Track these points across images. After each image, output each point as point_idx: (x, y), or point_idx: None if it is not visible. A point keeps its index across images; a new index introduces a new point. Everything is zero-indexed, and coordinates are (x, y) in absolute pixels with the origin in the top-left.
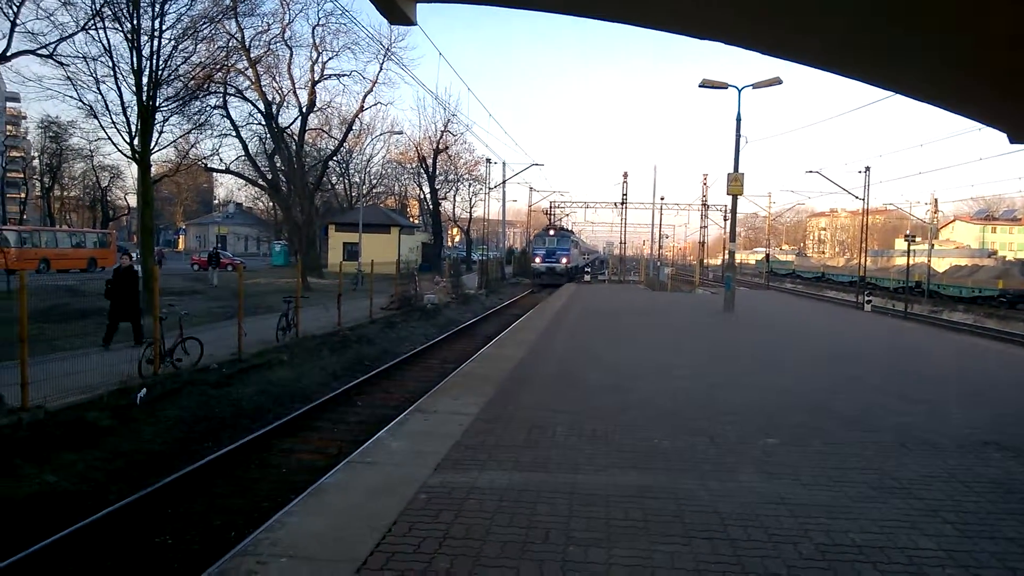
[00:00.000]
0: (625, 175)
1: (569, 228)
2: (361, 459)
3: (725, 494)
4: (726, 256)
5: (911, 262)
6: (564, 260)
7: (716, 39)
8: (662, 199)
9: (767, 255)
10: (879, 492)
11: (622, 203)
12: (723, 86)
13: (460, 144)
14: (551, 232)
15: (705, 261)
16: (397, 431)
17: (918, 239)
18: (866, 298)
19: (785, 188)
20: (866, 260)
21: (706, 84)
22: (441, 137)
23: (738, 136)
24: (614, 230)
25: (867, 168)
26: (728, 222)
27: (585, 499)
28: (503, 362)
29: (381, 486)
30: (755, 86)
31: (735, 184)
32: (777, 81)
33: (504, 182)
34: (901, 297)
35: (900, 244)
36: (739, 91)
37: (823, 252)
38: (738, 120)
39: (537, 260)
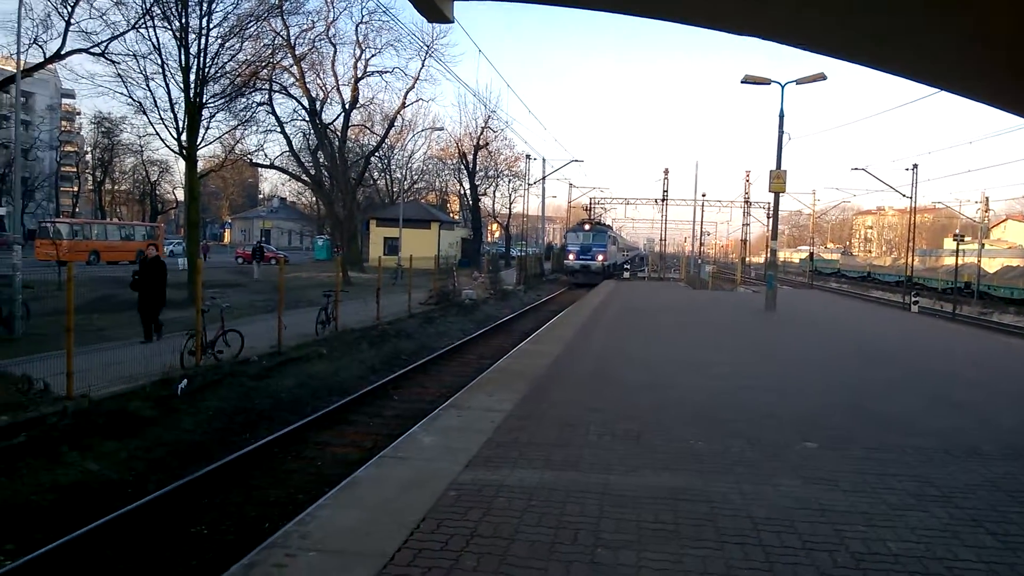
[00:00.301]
0: (666, 171)
1: (607, 223)
2: (393, 454)
3: (760, 498)
4: (768, 254)
5: (960, 262)
6: (600, 257)
7: (753, 35)
8: (703, 196)
9: (811, 253)
10: (919, 500)
11: (663, 199)
12: (765, 82)
13: (500, 140)
14: (586, 227)
15: (747, 259)
16: (430, 427)
17: (968, 238)
18: (912, 299)
19: (830, 185)
20: (913, 260)
21: (748, 80)
22: (481, 133)
23: (781, 132)
24: (655, 227)
25: (914, 165)
26: (770, 220)
27: (616, 500)
28: (539, 358)
29: (411, 482)
30: (798, 82)
31: (777, 181)
32: (821, 77)
33: (544, 178)
34: (949, 298)
35: (949, 243)
36: (782, 87)
37: (869, 251)
38: (781, 116)
39: (571, 257)
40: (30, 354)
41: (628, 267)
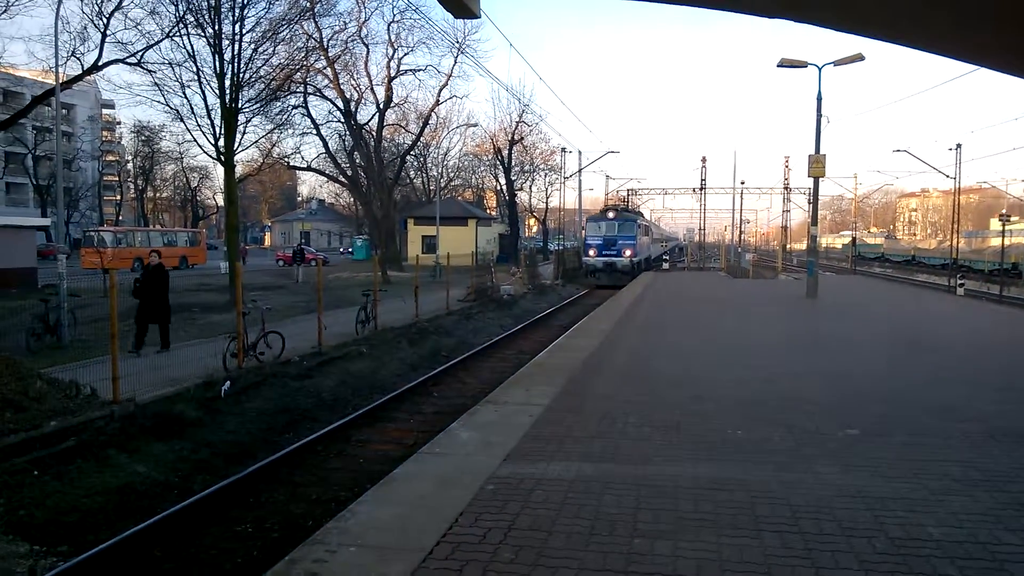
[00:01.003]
0: (704, 160)
1: (636, 209)
2: (431, 450)
3: (799, 486)
4: (809, 240)
5: (1007, 243)
6: (628, 252)
7: (786, 17)
8: (742, 183)
9: (853, 238)
10: (962, 485)
11: (701, 188)
12: (802, 65)
13: (535, 134)
14: (610, 215)
15: (788, 246)
16: (468, 422)
17: (1015, 218)
18: (958, 281)
19: (872, 168)
20: (959, 241)
21: (784, 64)
22: (516, 128)
23: (819, 116)
24: (693, 216)
25: (958, 145)
26: (811, 205)
27: (654, 491)
28: (576, 352)
29: (450, 477)
30: (836, 64)
31: (817, 166)
32: (859, 57)
33: (580, 171)
34: (996, 280)
35: (995, 224)
36: (819, 69)
37: (914, 234)
38: (819, 99)
39: (591, 253)
40: (77, 360)
41: (667, 258)
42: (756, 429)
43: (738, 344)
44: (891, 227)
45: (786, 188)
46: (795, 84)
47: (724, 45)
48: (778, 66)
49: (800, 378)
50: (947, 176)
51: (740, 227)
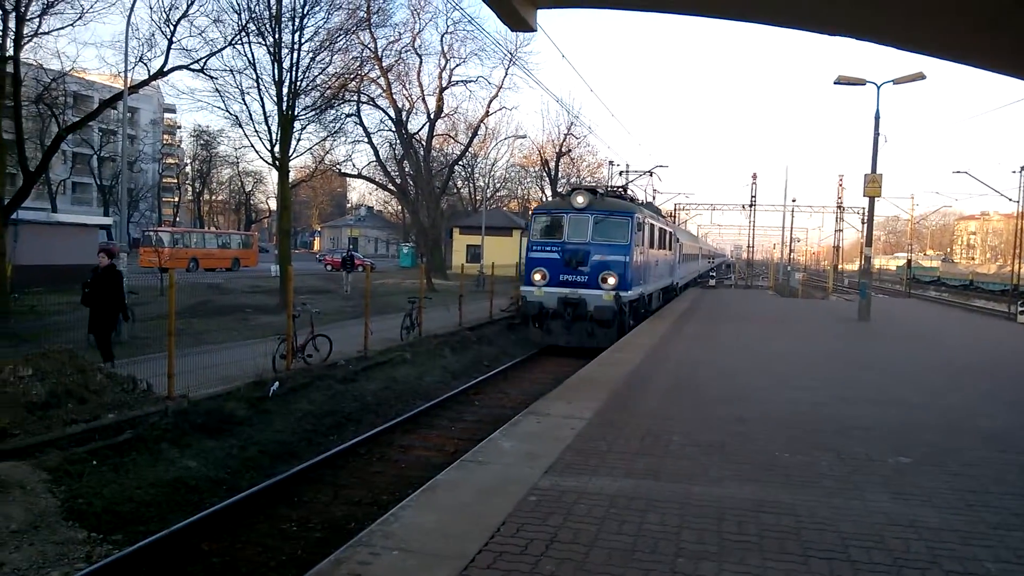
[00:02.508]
0: (754, 176)
1: (636, 198)
2: (473, 458)
3: (848, 513)
4: (862, 261)
5: None
6: (611, 280)
7: (846, 35)
8: (793, 201)
9: (908, 260)
10: (1020, 519)
11: (750, 205)
12: (860, 83)
13: (582, 147)
14: (579, 199)
15: (840, 266)
16: (510, 432)
17: None
18: (1019, 308)
19: (929, 189)
20: (1020, 267)
21: (841, 81)
22: (564, 140)
23: (876, 135)
24: (741, 233)
25: (1021, 167)
26: (865, 225)
27: (697, 510)
28: (619, 367)
29: (492, 486)
30: (895, 82)
31: (872, 185)
32: (920, 76)
33: (626, 184)
34: None
35: None
36: (878, 87)
37: (972, 258)
38: (876, 118)
39: (536, 279)
40: (135, 356)
41: (713, 275)
42: (803, 453)
43: (786, 366)
44: (948, 250)
45: (839, 207)
46: (851, 101)
47: (779, 60)
48: (835, 83)
49: (850, 403)
50: (1010, 199)
51: (790, 245)
